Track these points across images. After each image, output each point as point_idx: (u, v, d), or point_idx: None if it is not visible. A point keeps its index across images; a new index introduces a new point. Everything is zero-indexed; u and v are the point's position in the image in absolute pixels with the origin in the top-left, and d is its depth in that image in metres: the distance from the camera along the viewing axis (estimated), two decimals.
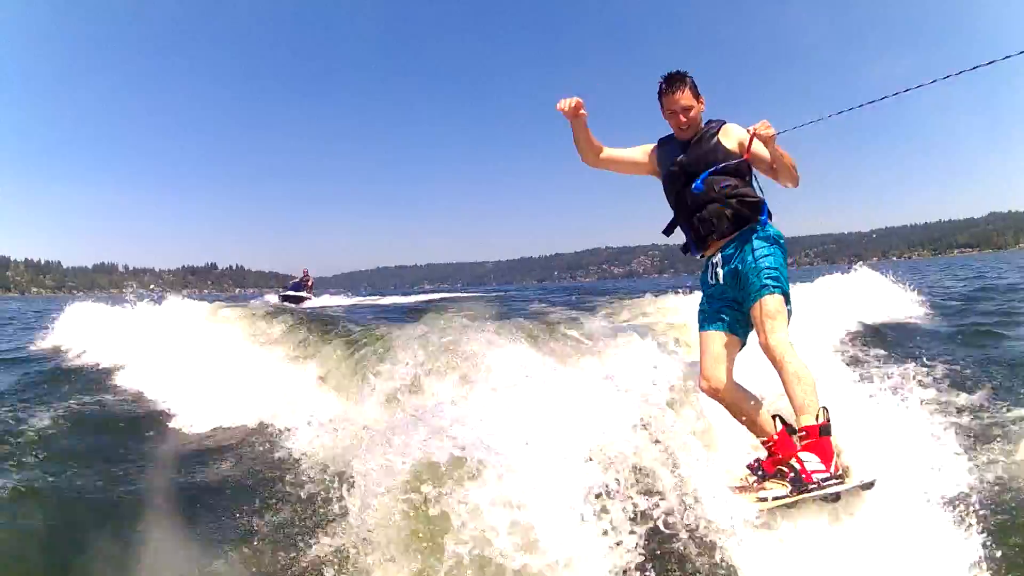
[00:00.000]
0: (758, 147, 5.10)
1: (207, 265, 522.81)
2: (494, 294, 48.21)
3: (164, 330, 11.28)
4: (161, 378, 8.82)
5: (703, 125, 5.34)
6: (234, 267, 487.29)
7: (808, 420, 4.47)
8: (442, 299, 38.11)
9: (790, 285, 5.06)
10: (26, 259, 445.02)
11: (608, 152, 5.68)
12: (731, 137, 5.21)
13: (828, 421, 4.48)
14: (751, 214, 5.11)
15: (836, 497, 4.28)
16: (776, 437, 4.90)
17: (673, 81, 5.22)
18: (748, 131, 5.01)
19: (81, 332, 13.09)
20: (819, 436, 4.43)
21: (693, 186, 5.21)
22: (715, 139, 5.22)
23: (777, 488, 4.50)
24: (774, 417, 4.98)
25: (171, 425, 7.39)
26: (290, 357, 10.06)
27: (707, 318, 5.39)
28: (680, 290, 15.74)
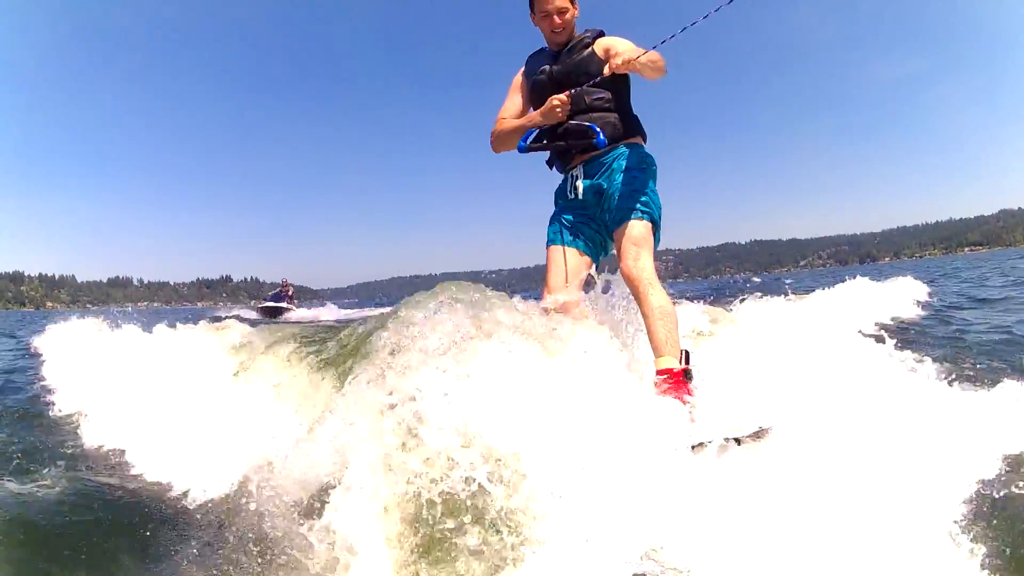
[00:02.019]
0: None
1: (222, 278, 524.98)
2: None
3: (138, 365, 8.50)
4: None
5: (577, 33, 5.00)
6: (249, 279, 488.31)
7: (670, 362, 4.09)
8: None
9: (661, 212, 4.76)
10: (40, 274, 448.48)
11: (507, 124, 5.12)
12: (602, 46, 4.85)
13: (690, 367, 4.14)
14: (623, 131, 4.86)
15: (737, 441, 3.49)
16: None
17: None
18: (604, 72, 4.53)
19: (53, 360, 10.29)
20: (681, 381, 4.00)
21: (571, 92, 4.74)
22: (589, 49, 4.88)
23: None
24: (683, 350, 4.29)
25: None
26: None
27: (560, 232, 5.00)
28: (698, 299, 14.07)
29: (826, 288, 13.35)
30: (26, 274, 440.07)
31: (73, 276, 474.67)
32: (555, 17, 4.84)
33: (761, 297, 10.51)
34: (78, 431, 6.07)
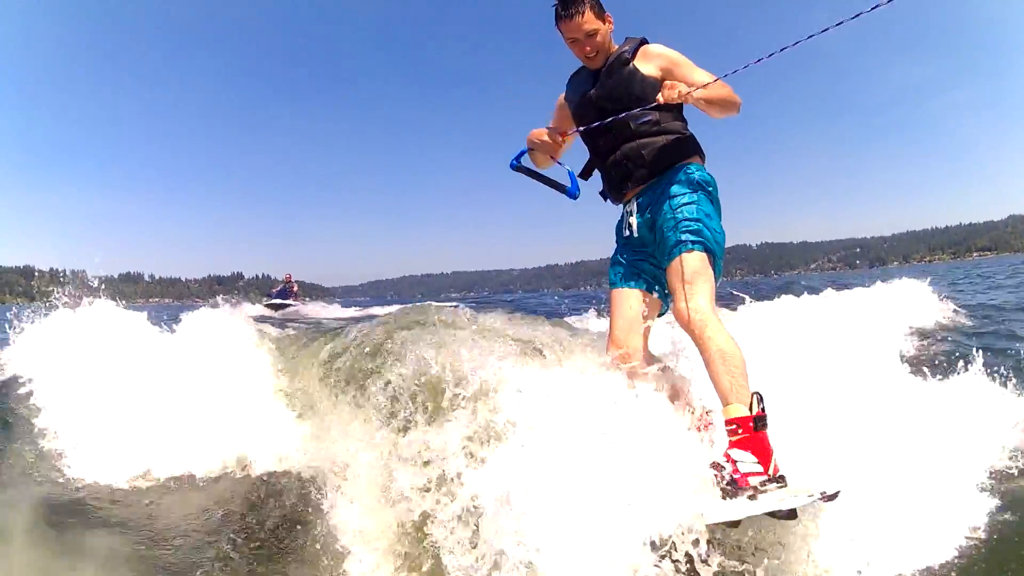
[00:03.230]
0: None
1: (234, 274, 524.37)
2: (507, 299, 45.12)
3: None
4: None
5: (615, 47, 4.48)
6: (260, 276, 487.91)
7: (739, 410, 3.63)
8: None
9: (723, 239, 4.31)
10: (51, 268, 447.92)
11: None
12: (651, 61, 4.37)
13: (764, 412, 3.65)
14: (674, 155, 4.35)
15: (792, 514, 3.34)
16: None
17: (570, 3, 4.29)
18: (659, 99, 4.09)
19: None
20: (753, 430, 3.56)
21: (606, 123, 4.35)
22: (630, 67, 4.37)
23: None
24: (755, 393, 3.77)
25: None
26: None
27: (621, 274, 4.57)
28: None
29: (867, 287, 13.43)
30: (36, 268, 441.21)
31: (84, 271, 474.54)
32: (585, 44, 4.36)
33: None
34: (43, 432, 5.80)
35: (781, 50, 3.79)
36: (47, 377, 6.15)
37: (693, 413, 4.09)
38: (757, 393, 3.70)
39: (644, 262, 4.49)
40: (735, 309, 9.91)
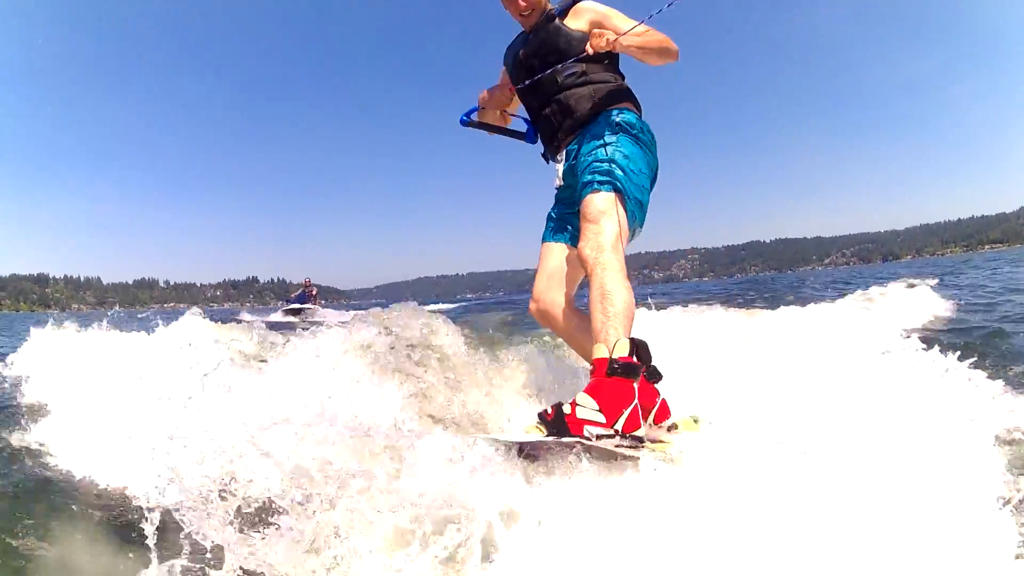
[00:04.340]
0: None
1: (249, 279, 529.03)
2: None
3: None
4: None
5: (550, 6, 4.33)
6: (275, 280, 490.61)
7: (600, 350, 3.29)
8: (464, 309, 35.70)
9: (643, 181, 4.00)
10: (65, 275, 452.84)
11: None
12: (581, 16, 4.21)
13: (635, 361, 3.22)
14: (600, 103, 4.13)
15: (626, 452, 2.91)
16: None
17: None
18: (587, 49, 3.93)
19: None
20: (607, 375, 3.16)
21: (538, 81, 4.22)
22: (555, 22, 4.23)
23: (531, 431, 3.12)
24: (633, 340, 3.36)
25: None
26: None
27: (550, 228, 4.45)
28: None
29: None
30: (51, 276, 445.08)
31: (99, 278, 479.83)
32: (519, 0, 4.22)
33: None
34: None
35: None
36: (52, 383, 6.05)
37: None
38: (635, 340, 3.30)
39: (573, 215, 4.15)
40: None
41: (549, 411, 3.05)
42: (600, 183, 3.79)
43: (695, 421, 3.43)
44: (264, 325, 12.99)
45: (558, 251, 4.33)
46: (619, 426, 2.99)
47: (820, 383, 4.31)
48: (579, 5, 4.25)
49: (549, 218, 4.50)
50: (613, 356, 3.20)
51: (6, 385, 5.65)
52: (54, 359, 5.97)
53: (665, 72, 4.21)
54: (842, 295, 14.70)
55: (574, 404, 3.02)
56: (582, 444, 2.86)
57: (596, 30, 3.91)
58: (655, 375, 3.29)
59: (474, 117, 4.64)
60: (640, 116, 4.21)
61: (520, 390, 4.86)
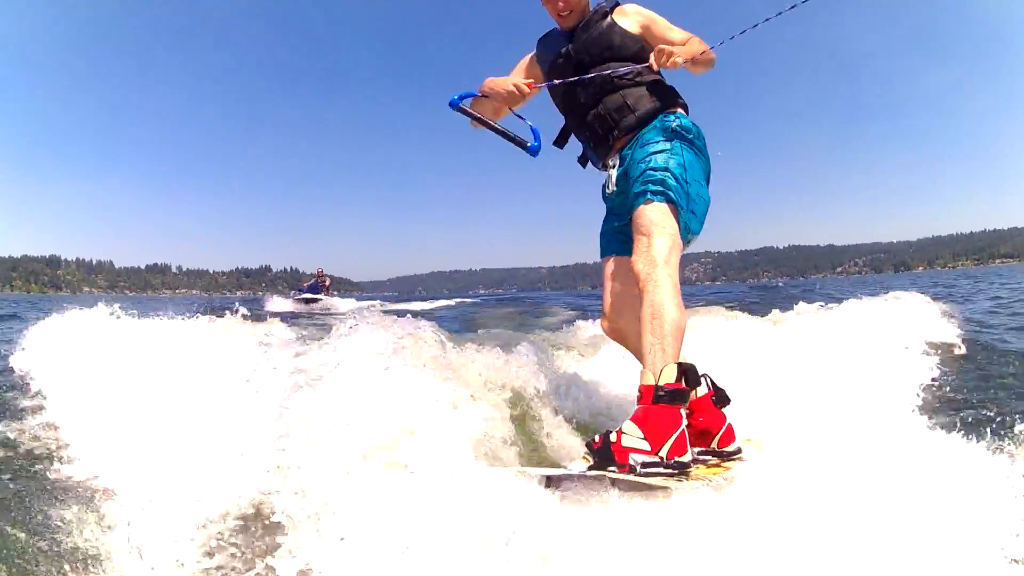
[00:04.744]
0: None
1: (261, 267, 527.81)
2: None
3: None
4: None
5: (591, 9, 4.27)
6: (288, 269, 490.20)
7: (647, 377, 3.24)
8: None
9: (700, 191, 3.89)
10: (77, 258, 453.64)
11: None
12: (630, 17, 4.19)
13: (682, 386, 3.20)
14: (658, 101, 4.07)
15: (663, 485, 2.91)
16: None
17: None
18: (652, 64, 3.90)
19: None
20: (651, 403, 3.14)
21: (586, 77, 4.13)
22: (608, 19, 4.17)
23: (579, 462, 3.16)
24: (681, 364, 3.31)
25: None
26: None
27: (609, 240, 4.32)
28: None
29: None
30: (63, 258, 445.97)
31: (111, 262, 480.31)
32: (560, 0, 4.17)
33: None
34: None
35: (766, 20, 3.73)
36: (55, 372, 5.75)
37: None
38: (683, 364, 3.27)
39: (628, 225, 3.94)
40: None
41: (596, 440, 3.07)
42: (653, 193, 3.68)
43: (760, 444, 3.56)
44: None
45: (620, 264, 4.15)
46: (663, 453, 2.99)
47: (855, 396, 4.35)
48: (624, 6, 4.24)
49: (604, 232, 4.37)
50: (659, 383, 3.16)
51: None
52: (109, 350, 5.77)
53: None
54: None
55: (620, 432, 3.03)
56: (609, 476, 2.89)
57: (662, 46, 3.83)
58: (723, 399, 3.47)
59: (467, 104, 4.34)
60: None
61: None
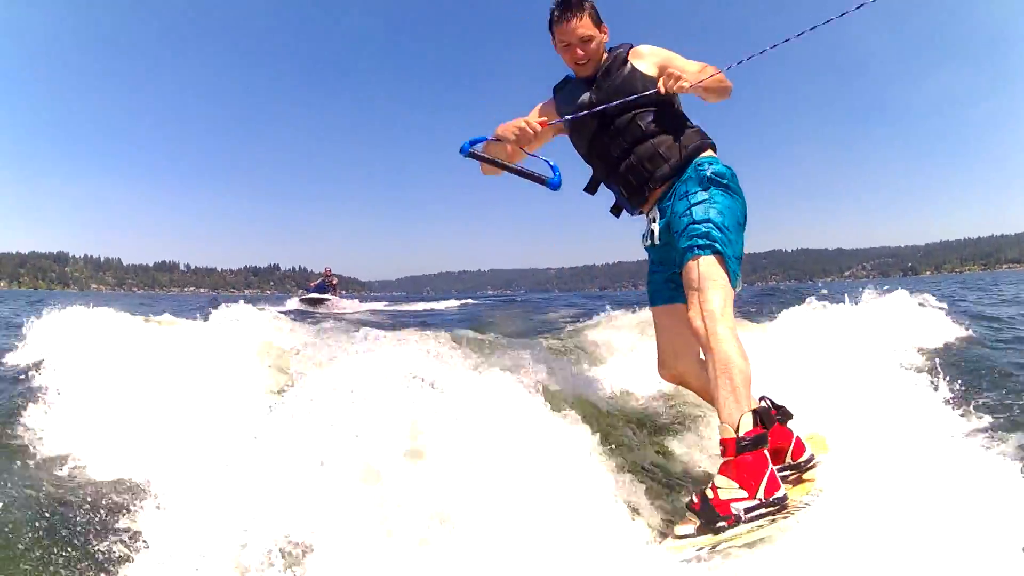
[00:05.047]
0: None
1: (270, 266, 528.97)
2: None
3: None
4: None
5: (606, 54, 4.25)
6: (296, 269, 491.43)
7: (726, 431, 3.31)
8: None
9: (736, 238, 3.87)
10: (85, 255, 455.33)
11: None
12: (646, 60, 4.17)
13: (760, 430, 3.29)
14: (691, 147, 4.06)
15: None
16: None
17: (568, 6, 4.09)
18: (660, 89, 3.88)
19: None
20: (736, 453, 3.23)
21: (612, 127, 4.14)
22: (628, 64, 4.16)
23: (685, 524, 3.19)
24: (755, 410, 3.43)
25: None
26: None
27: (658, 290, 4.34)
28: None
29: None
30: (71, 255, 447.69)
31: (119, 259, 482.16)
32: (578, 49, 4.15)
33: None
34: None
35: (785, 40, 3.71)
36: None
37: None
38: (756, 411, 3.37)
39: (677, 274, 3.99)
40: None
41: (695, 500, 3.18)
42: (700, 248, 3.71)
43: (823, 442, 3.77)
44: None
45: (672, 313, 4.20)
46: (761, 495, 3.13)
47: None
48: (638, 49, 4.23)
49: (651, 282, 4.38)
50: (740, 434, 3.24)
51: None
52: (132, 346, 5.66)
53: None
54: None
55: (715, 488, 3.16)
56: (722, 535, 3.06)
57: (670, 70, 3.86)
58: (787, 415, 3.59)
59: (479, 149, 4.25)
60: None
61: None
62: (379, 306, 39.60)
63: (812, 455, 3.65)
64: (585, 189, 4.49)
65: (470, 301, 45.59)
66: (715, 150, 4.15)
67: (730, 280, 3.71)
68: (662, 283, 4.29)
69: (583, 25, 4.07)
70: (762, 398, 3.76)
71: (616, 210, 4.49)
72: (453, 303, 41.43)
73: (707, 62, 4.01)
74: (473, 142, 4.19)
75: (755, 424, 3.28)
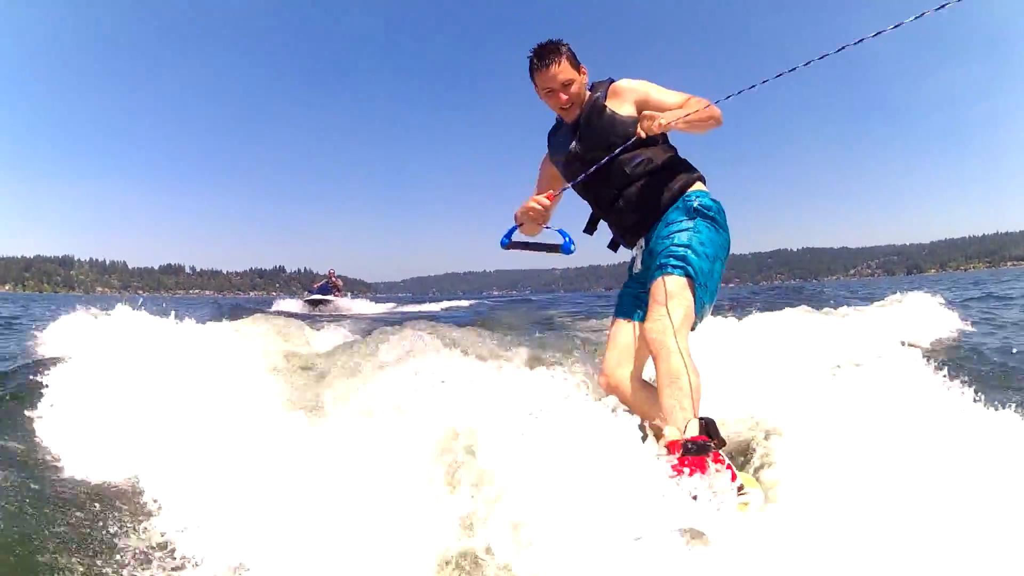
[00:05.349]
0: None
1: (275, 268, 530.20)
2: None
3: None
4: None
5: (587, 94, 4.38)
6: (302, 270, 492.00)
7: (672, 433, 3.44)
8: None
9: (712, 267, 4.07)
10: (91, 259, 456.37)
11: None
12: (624, 99, 4.28)
13: (705, 438, 3.41)
14: (675, 190, 4.24)
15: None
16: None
17: (546, 53, 4.23)
18: (639, 133, 4.01)
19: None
20: (681, 455, 3.27)
21: (601, 173, 4.24)
22: (606, 111, 4.28)
23: None
24: (701, 420, 3.64)
25: None
26: None
27: (621, 304, 4.52)
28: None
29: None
30: (76, 258, 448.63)
31: (124, 262, 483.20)
32: (560, 94, 4.28)
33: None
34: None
35: (777, 76, 3.80)
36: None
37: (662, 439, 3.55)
38: (703, 419, 3.54)
39: (644, 295, 4.20)
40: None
41: None
42: (674, 267, 3.90)
43: (757, 479, 3.67)
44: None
45: (629, 329, 4.36)
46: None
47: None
48: (616, 86, 4.34)
49: (623, 294, 4.54)
50: (686, 437, 3.35)
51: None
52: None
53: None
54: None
55: None
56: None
57: (646, 112, 3.99)
58: (721, 444, 3.51)
59: (515, 237, 4.57)
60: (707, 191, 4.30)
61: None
62: (383, 308, 39.45)
63: (742, 484, 3.50)
64: (584, 230, 4.67)
65: (459, 303, 45.50)
66: (704, 182, 4.34)
67: (695, 306, 3.92)
68: (630, 298, 4.44)
69: (562, 70, 4.21)
70: (706, 418, 3.78)
71: (614, 245, 4.67)
72: (461, 303, 41.54)
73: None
74: (508, 234, 4.50)
75: (701, 433, 3.42)
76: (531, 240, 4.59)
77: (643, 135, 3.97)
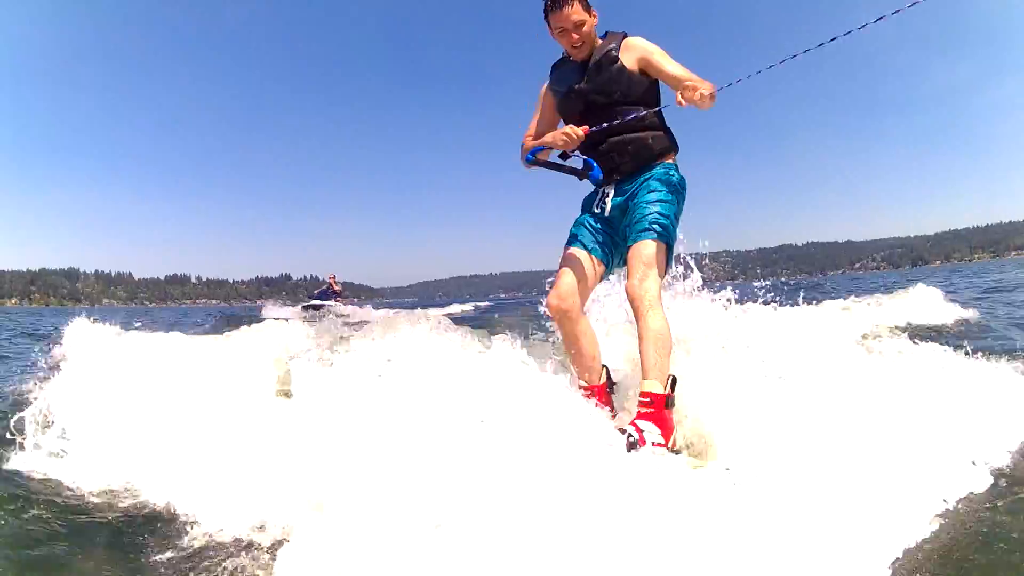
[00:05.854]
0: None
1: (282, 276, 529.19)
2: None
3: None
4: None
5: (599, 40, 4.72)
6: (308, 277, 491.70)
7: (654, 386, 3.95)
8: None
9: (676, 239, 4.65)
10: (96, 270, 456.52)
11: (531, 143, 4.89)
12: (631, 55, 4.60)
13: (673, 393, 4.02)
14: (657, 152, 4.66)
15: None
16: (597, 387, 4.55)
17: None
18: (678, 101, 4.17)
19: None
20: (663, 407, 3.91)
21: (598, 115, 4.59)
22: (618, 63, 4.59)
23: None
24: (603, 367, 4.69)
25: None
26: None
27: (586, 237, 4.78)
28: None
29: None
30: (82, 270, 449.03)
31: (130, 273, 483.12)
32: (572, 33, 4.56)
33: None
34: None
35: (781, 62, 4.15)
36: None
37: (588, 378, 4.59)
38: (673, 376, 4.07)
39: (607, 235, 4.79)
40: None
41: (627, 441, 3.70)
42: (659, 234, 4.41)
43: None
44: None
45: (586, 260, 4.73)
46: (670, 445, 3.80)
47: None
48: (628, 41, 4.67)
49: (582, 226, 4.87)
50: (667, 392, 3.98)
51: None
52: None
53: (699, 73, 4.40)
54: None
55: (640, 431, 3.74)
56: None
57: (687, 83, 4.18)
58: (672, 403, 4.04)
59: (539, 156, 4.80)
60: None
61: None
62: (381, 314, 38.94)
63: (676, 442, 4.01)
64: (560, 156, 4.86)
65: (463, 307, 45.57)
66: (677, 151, 4.80)
67: (666, 266, 4.55)
68: (591, 232, 4.80)
69: (575, 11, 4.50)
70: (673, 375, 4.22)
71: (580, 174, 4.78)
72: (467, 306, 41.43)
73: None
74: (533, 152, 4.76)
75: (672, 388, 4.04)
76: (555, 160, 4.85)
77: (682, 104, 4.17)
